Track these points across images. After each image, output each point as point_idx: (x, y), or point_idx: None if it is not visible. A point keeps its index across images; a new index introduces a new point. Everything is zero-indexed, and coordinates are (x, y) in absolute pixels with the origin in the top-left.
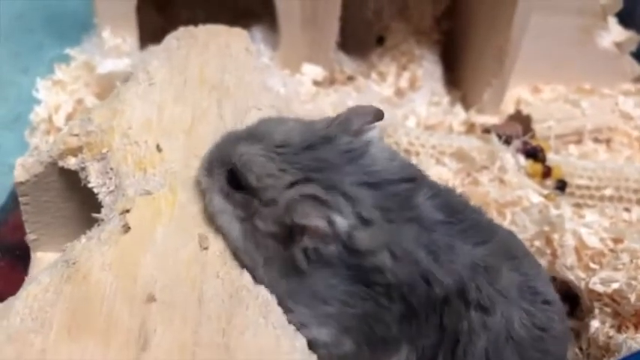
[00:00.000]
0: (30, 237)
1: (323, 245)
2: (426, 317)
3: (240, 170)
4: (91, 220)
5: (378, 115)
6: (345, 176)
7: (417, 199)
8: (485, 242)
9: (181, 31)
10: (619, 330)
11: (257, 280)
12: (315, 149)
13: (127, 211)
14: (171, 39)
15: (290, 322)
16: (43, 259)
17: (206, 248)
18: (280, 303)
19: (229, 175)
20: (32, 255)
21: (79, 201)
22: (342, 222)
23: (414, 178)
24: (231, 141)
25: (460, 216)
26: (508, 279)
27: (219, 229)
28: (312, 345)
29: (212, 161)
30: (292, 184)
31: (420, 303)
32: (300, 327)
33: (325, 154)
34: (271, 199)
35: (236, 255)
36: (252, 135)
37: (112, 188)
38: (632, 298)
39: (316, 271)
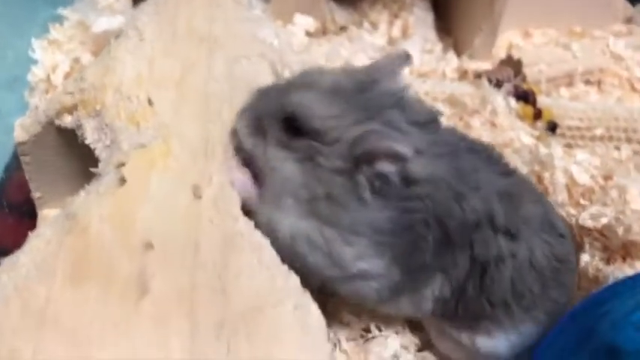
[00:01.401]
0: (35, 195)
1: (392, 169)
2: (460, 246)
3: (301, 116)
4: (92, 175)
5: (409, 59)
6: (396, 116)
7: (445, 134)
8: (508, 174)
9: None
10: (608, 262)
11: (314, 214)
12: (365, 93)
13: (123, 164)
14: None
15: (349, 256)
16: (49, 216)
17: (200, 197)
18: (341, 236)
19: (285, 124)
20: (38, 213)
21: (79, 157)
22: (404, 149)
23: (439, 118)
24: (278, 93)
25: (481, 147)
26: (530, 210)
27: (269, 171)
28: (367, 277)
29: (258, 118)
30: (355, 124)
31: (454, 229)
32: (359, 259)
33: (374, 97)
34: (335, 138)
35: (288, 190)
36: (300, 85)
37: (107, 143)
38: (620, 231)
39: (375, 203)
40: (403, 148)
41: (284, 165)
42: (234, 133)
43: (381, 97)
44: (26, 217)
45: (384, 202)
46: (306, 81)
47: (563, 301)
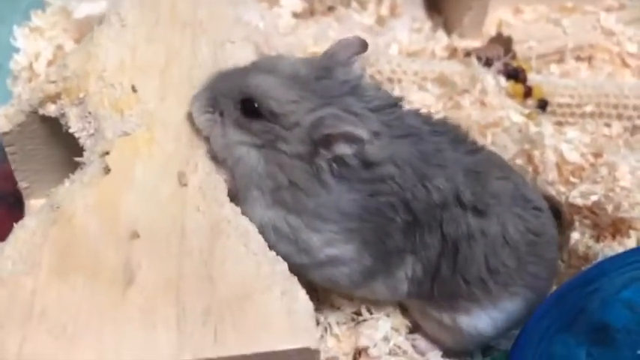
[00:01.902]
0: (22, 185)
1: (349, 151)
2: (428, 227)
3: (259, 99)
4: (79, 164)
5: (364, 45)
6: (352, 102)
7: (407, 117)
8: (474, 152)
9: None
10: (597, 240)
11: (280, 203)
12: (322, 80)
13: (107, 153)
14: None
15: (317, 243)
16: (36, 206)
17: (185, 185)
18: (306, 223)
19: (242, 106)
20: (26, 203)
21: (65, 146)
22: (361, 131)
23: (400, 102)
24: (237, 75)
25: (446, 128)
26: (499, 185)
27: (234, 162)
28: (337, 263)
29: (215, 97)
30: (313, 109)
31: (421, 210)
32: (327, 246)
33: (330, 84)
34: (294, 122)
35: (254, 182)
36: (259, 69)
37: (91, 132)
38: (610, 209)
39: (338, 187)
40: (359, 130)
41: (248, 155)
42: (190, 115)
43: (337, 85)
44: (14, 207)
45: (348, 186)
46: (265, 66)
47: (544, 275)
